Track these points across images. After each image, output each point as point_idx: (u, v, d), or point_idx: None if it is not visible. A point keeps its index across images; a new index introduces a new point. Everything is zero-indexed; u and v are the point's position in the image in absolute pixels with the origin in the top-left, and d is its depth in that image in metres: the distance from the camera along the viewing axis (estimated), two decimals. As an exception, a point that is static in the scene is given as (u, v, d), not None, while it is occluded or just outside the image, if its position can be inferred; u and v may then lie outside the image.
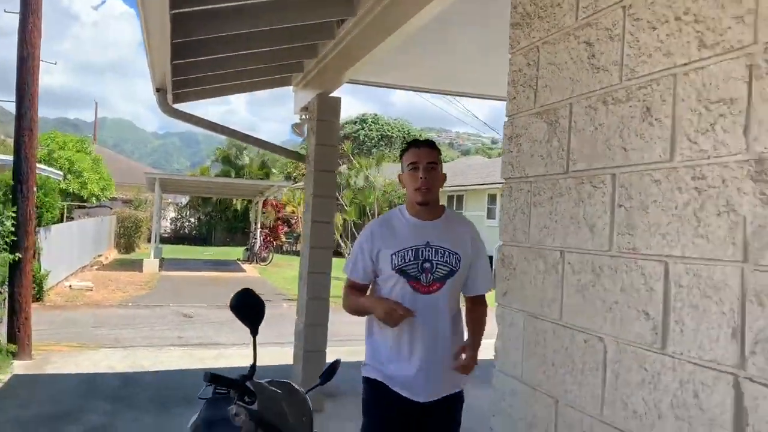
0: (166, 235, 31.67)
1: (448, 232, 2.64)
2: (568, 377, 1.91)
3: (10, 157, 7.86)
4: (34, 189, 7.68)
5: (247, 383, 2.18)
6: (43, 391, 6.18)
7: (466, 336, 2.74)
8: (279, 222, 28.44)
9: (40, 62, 7.39)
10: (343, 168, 22.15)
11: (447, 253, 2.59)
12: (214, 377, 2.11)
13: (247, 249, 23.67)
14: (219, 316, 11.20)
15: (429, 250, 2.58)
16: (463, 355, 2.62)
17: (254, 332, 2.27)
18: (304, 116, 6.31)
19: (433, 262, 2.57)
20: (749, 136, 1.35)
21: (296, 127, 6.46)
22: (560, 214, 1.99)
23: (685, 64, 1.53)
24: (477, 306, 2.79)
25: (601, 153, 1.82)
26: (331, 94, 5.73)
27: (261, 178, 29.16)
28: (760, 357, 1.30)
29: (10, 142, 10.67)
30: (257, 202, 24.91)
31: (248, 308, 2.25)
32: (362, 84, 6.17)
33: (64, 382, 6.55)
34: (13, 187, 7.39)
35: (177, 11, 3.54)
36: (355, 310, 2.72)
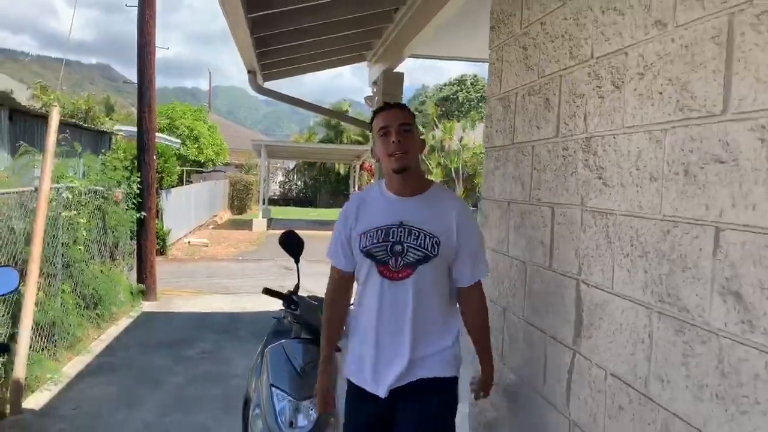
0: (275, 198, 33.86)
1: (429, 211, 2.21)
2: (509, 291, 2.64)
3: (134, 128, 9.25)
4: (155, 158, 9.05)
5: (293, 296, 3.08)
6: (167, 324, 7.54)
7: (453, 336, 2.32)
8: (378, 183, 29.59)
9: (155, 48, 8.63)
10: (437, 131, 22.76)
11: (423, 235, 2.16)
12: (267, 290, 3.03)
13: (348, 211, 24.98)
14: (314, 269, 12.40)
15: (402, 231, 2.17)
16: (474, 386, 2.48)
17: (297, 260, 3.15)
18: (374, 89, 7.11)
19: (405, 244, 2.15)
20: (588, 123, 2.02)
21: (368, 99, 7.28)
22: (508, 174, 2.69)
23: (564, 69, 2.19)
24: (470, 302, 2.32)
25: (527, 130, 2.50)
26: (395, 70, 6.48)
27: (359, 143, 30.38)
28: (585, 268, 1.99)
29: (134, 111, 12.25)
30: (355, 165, 26.14)
31: (291, 245, 3.13)
32: (423, 57, 6.87)
33: (182, 318, 7.91)
34: (138, 157, 8.77)
35: (254, 14, 4.43)
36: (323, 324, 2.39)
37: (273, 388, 2.83)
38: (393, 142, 2.18)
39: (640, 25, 1.70)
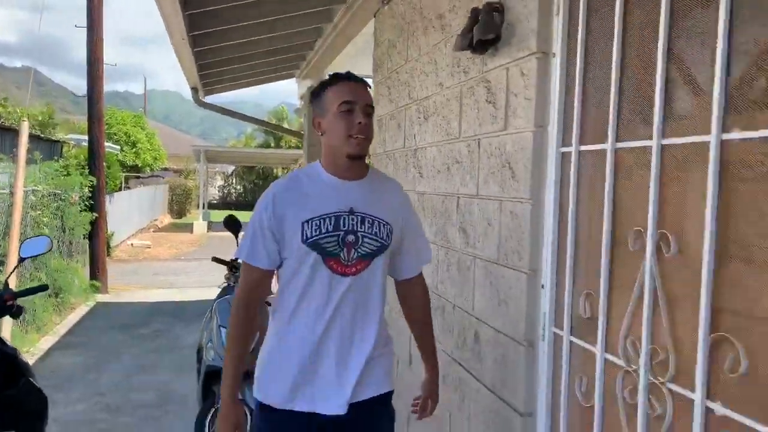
0: (215, 202, 34.42)
1: (375, 196, 1.94)
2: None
3: (82, 137, 10.12)
4: (104, 163, 9.95)
5: (234, 262, 4.24)
6: (120, 312, 8.49)
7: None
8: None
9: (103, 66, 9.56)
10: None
11: (377, 223, 1.89)
12: (215, 258, 4.20)
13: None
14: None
15: (354, 219, 1.86)
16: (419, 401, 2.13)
17: (236, 236, 4.32)
18: (302, 103, 8.30)
19: (359, 234, 1.86)
20: (416, 139, 3.27)
21: (298, 112, 8.46)
22: (386, 171, 3.94)
23: (405, 105, 3.45)
24: (414, 295, 2.12)
25: (390, 143, 3.75)
26: (320, 86, 7.67)
27: (298, 147, 31.38)
28: (416, 227, 3.26)
29: (76, 120, 12.97)
30: (294, 169, 27.15)
31: (232, 225, 4.28)
32: (343, 78, 8.11)
33: (134, 306, 8.87)
34: (88, 163, 9.66)
35: (194, 33, 5.51)
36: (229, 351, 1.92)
37: (221, 328, 3.97)
38: (359, 123, 1.82)
39: (433, 84, 2.97)
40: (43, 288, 3.21)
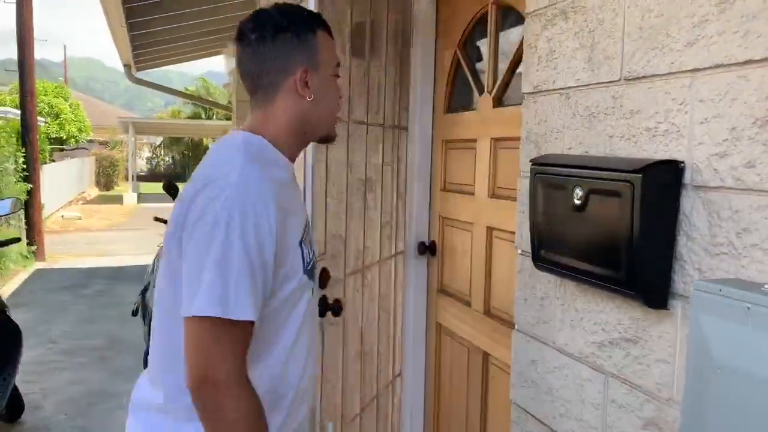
0: (143, 174, 34.10)
1: None
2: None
3: (13, 110, 10.38)
4: (37, 136, 10.29)
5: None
6: (60, 276, 9.02)
7: None
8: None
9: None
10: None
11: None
12: (157, 218, 4.96)
13: (216, 183, 26.26)
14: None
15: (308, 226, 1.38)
16: None
17: (174, 199, 5.07)
18: (231, 78, 8.94)
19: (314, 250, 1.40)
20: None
21: (227, 86, 9.10)
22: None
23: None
24: None
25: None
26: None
27: (228, 118, 31.43)
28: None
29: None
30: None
31: (170, 188, 5.02)
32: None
33: (74, 271, 9.40)
34: (22, 135, 9.99)
35: (133, 20, 6.11)
36: None
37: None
38: (340, 97, 1.39)
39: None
40: (15, 240, 3.89)
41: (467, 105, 2.65)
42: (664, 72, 1.33)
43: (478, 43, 2.57)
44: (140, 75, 8.62)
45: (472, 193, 2.48)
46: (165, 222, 4.99)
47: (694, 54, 1.25)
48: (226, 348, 1.08)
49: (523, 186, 1.84)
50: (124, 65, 8.13)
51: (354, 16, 2.93)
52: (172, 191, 5.07)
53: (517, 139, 2.20)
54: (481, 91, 2.46)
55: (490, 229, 2.39)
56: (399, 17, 2.81)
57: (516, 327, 1.91)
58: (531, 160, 1.64)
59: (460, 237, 2.60)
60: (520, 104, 2.12)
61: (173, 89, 8.78)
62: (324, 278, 2.13)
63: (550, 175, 1.53)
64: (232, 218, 1.09)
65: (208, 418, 1.08)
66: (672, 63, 1.31)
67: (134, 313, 4.95)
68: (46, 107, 22.74)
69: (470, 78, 2.56)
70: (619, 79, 1.46)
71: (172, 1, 5.84)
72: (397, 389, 2.93)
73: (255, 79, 1.26)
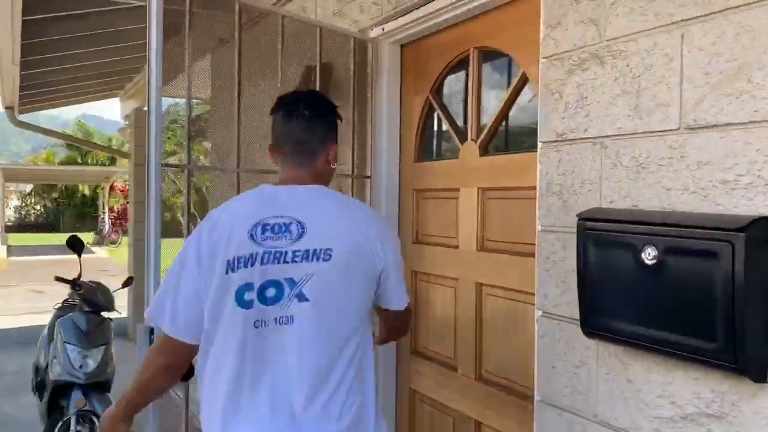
0: (10, 224, 31.22)
1: None
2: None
3: None
4: None
5: (77, 281, 4.43)
6: None
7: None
8: (128, 205, 29.24)
9: None
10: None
11: None
12: (57, 278, 4.36)
13: (96, 233, 24.56)
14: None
15: None
16: None
17: (79, 255, 4.50)
18: (126, 122, 8.34)
19: None
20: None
21: (121, 131, 8.48)
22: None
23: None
24: None
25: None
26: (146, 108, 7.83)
27: (108, 164, 29.72)
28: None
29: None
30: (104, 187, 25.74)
31: (75, 244, 4.47)
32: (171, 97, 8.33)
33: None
34: None
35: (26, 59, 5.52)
36: None
37: (66, 344, 4.15)
38: None
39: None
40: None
41: (445, 153, 2.50)
42: (743, 120, 1.23)
43: (454, 89, 2.44)
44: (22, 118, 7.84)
45: (456, 246, 2.30)
46: (68, 282, 4.41)
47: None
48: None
49: (546, 242, 1.69)
50: (6, 108, 7.36)
51: (304, 58, 2.74)
52: (77, 247, 4.52)
53: (511, 189, 2.07)
54: (463, 139, 2.31)
55: (479, 285, 2.22)
56: (358, 60, 2.64)
57: (538, 397, 1.73)
58: (579, 215, 1.49)
59: (441, 293, 2.41)
60: (515, 153, 2.06)
61: (67, 134, 8.07)
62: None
63: (607, 231, 1.38)
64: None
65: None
66: (755, 111, 1.21)
67: (34, 390, 4.31)
68: None
69: (448, 125, 2.41)
70: (678, 128, 1.35)
71: (69, 40, 5.36)
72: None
73: (302, 144, 1.47)
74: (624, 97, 1.47)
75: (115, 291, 4.89)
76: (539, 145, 1.73)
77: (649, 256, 1.27)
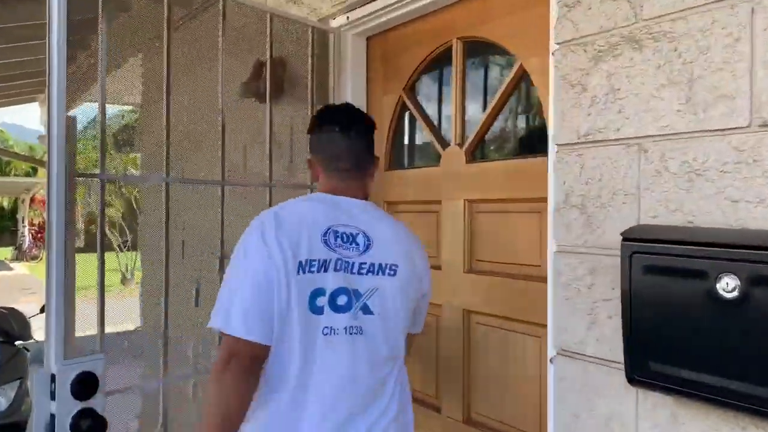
0: None
1: None
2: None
3: None
4: None
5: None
6: None
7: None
8: (52, 218, 27.63)
9: None
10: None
11: None
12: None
13: (15, 248, 23.03)
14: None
15: None
16: None
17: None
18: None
19: None
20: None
21: (41, 139, 7.82)
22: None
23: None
24: None
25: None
26: (70, 113, 7.21)
27: (27, 174, 28.05)
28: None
29: None
30: (24, 199, 24.21)
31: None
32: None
33: None
34: None
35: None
36: None
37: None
38: None
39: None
40: None
41: (422, 160, 2.19)
42: None
43: (433, 88, 2.14)
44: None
45: (438, 267, 1.98)
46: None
47: None
48: None
49: (567, 265, 1.40)
50: None
51: (254, 53, 2.39)
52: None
53: (507, 200, 1.78)
54: (444, 144, 2.01)
55: (467, 313, 1.91)
56: (318, 54, 2.29)
57: (556, 453, 1.43)
58: (623, 234, 1.20)
59: (418, 322, 2.08)
60: (513, 158, 1.78)
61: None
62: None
63: (664, 255, 1.09)
64: None
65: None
66: None
67: None
68: None
69: (427, 128, 2.10)
70: (748, 125, 1.09)
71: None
72: None
73: (358, 159, 1.44)
74: (671, 88, 1.20)
75: (32, 317, 4.35)
76: (553, 148, 1.44)
77: (727, 287, 1.00)
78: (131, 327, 3.49)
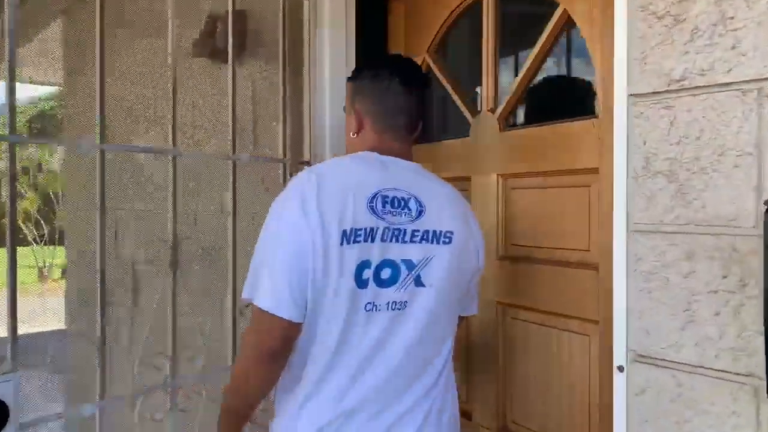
0: None
1: None
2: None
3: None
4: None
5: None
6: None
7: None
8: None
9: None
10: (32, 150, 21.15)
11: None
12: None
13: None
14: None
15: None
16: None
17: None
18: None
19: None
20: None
21: None
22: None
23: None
24: None
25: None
26: None
27: None
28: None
29: None
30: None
31: None
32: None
33: None
34: None
35: None
36: None
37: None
38: None
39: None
40: None
41: (448, 131, 1.89)
42: None
43: (459, 46, 1.84)
44: None
45: (465, 254, 1.68)
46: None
47: None
48: None
49: (648, 248, 1.11)
50: None
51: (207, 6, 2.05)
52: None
53: (550, 173, 1.49)
54: (474, 112, 1.71)
55: (501, 306, 1.62)
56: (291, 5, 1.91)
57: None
58: (766, 203, 0.91)
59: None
60: (557, 122, 1.45)
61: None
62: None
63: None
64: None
65: None
66: None
67: None
68: None
69: (454, 92, 1.80)
70: None
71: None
72: None
73: (412, 119, 1.26)
74: (812, 10, 0.91)
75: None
76: (626, 100, 1.15)
77: None
78: (52, 328, 2.96)
